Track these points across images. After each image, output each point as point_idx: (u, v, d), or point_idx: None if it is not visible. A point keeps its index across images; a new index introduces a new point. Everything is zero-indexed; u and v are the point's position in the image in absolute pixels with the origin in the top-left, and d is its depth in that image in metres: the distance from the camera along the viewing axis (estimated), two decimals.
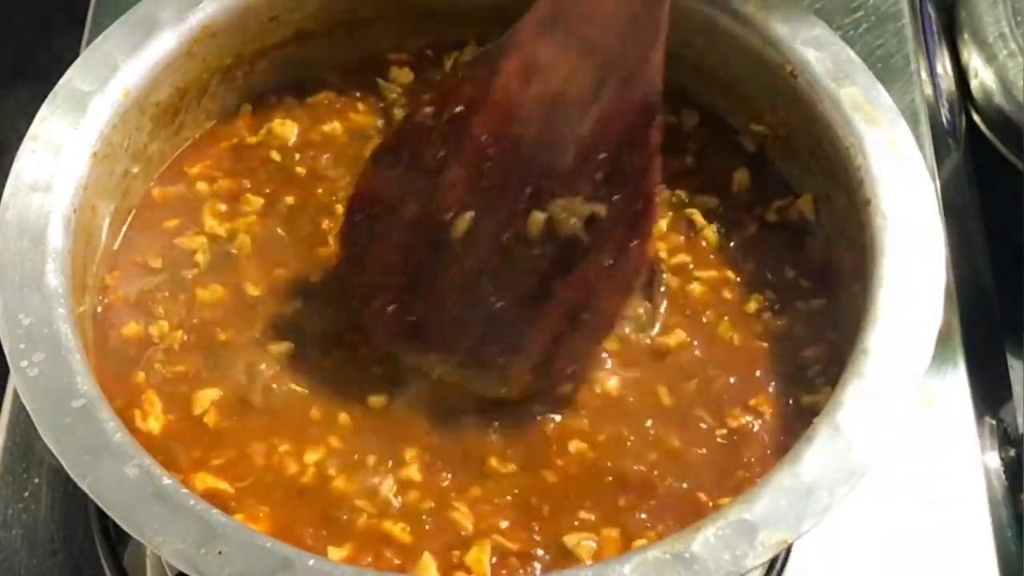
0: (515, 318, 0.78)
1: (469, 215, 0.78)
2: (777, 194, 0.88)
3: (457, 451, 0.77)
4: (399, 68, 0.94)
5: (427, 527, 0.74)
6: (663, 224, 0.86)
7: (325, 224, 0.86)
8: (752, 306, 0.83)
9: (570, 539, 0.74)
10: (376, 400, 0.79)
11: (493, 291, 0.78)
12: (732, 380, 0.80)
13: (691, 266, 0.85)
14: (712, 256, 0.86)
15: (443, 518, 0.75)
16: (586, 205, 0.77)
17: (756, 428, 0.78)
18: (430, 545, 0.74)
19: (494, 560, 0.73)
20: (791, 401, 0.79)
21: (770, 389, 0.80)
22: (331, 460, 0.77)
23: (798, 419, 0.78)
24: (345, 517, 0.75)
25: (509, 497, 0.76)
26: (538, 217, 0.78)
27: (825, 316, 0.82)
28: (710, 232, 0.86)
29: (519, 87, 0.77)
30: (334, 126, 0.91)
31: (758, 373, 0.81)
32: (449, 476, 0.76)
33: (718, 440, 0.78)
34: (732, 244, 0.86)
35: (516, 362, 0.78)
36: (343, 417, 0.78)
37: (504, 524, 0.75)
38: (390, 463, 0.77)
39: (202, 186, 0.88)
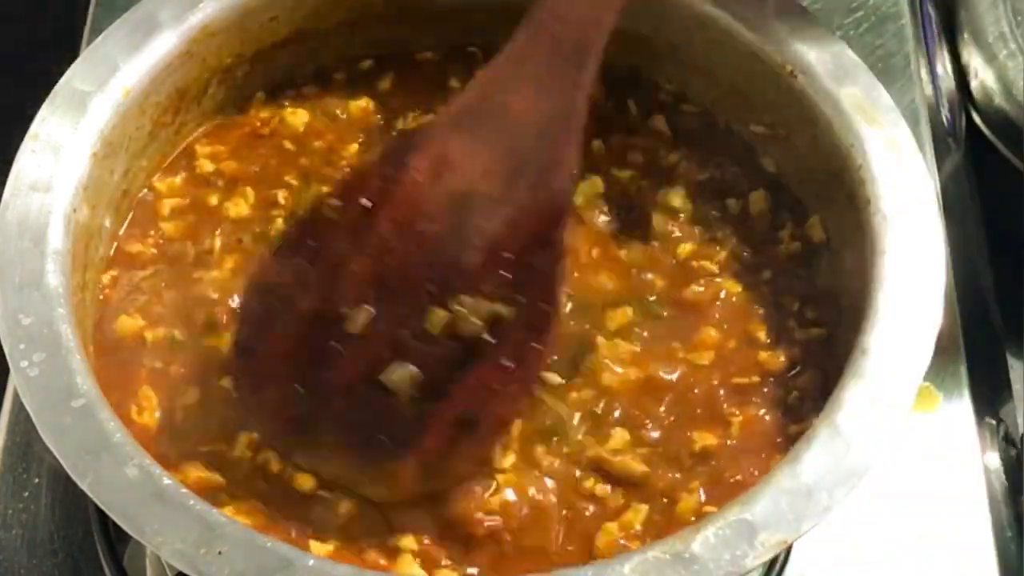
0: (408, 418, 0.75)
1: (367, 310, 0.75)
2: (789, 216, 0.88)
3: None
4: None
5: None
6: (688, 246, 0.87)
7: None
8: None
9: None
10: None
11: (386, 389, 0.75)
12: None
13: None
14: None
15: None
16: (489, 305, 0.75)
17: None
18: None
19: None
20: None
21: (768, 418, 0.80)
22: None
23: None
24: (327, 511, 0.75)
25: None
26: (439, 315, 0.75)
27: (824, 346, 0.82)
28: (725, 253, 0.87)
29: (429, 182, 0.76)
30: (354, 106, 0.92)
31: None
32: None
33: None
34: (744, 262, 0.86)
35: (407, 465, 0.75)
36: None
37: None
38: None
39: (206, 179, 0.88)
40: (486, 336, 0.75)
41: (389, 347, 0.75)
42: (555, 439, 0.78)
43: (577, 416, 0.79)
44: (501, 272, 0.75)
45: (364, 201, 0.76)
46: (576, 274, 0.84)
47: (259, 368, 0.77)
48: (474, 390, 0.75)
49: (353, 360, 0.75)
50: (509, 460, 0.77)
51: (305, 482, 0.76)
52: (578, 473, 0.77)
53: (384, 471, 0.75)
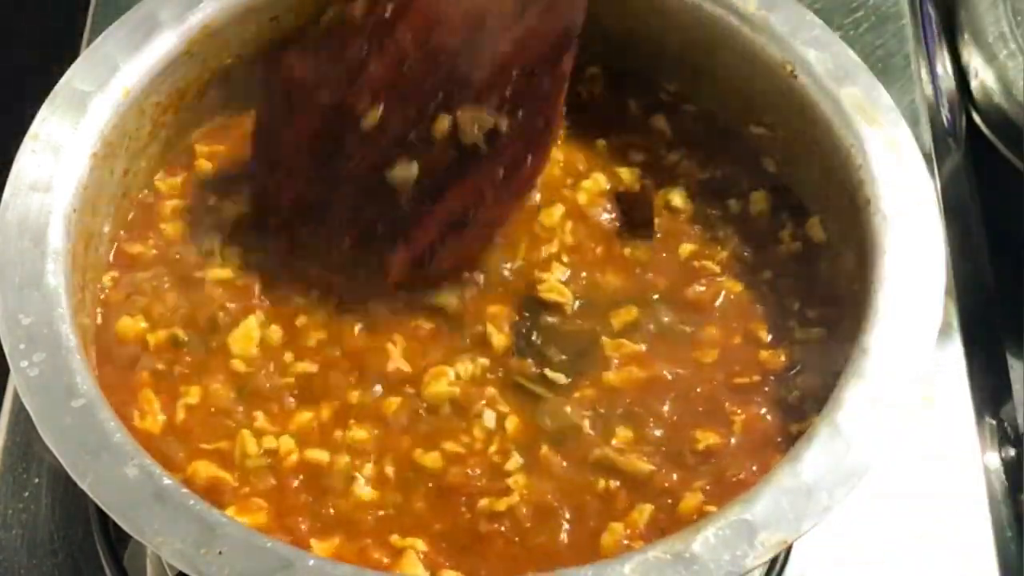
0: (406, 212, 0.82)
1: (380, 109, 0.82)
2: (789, 216, 0.88)
3: None
4: None
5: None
6: (687, 248, 0.87)
7: None
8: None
9: None
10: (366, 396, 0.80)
11: (389, 186, 0.82)
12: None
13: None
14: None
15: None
16: (490, 117, 0.81)
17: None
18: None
19: None
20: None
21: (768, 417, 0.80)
22: (322, 450, 0.77)
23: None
24: (332, 509, 0.75)
25: None
26: (444, 121, 0.82)
27: (824, 346, 0.82)
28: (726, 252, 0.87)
29: None
30: None
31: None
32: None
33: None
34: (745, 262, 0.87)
35: (399, 253, 0.82)
36: (339, 408, 0.79)
37: None
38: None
39: (205, 178, 0.88)
40: (483, 146, 0.81)
41: (395, 146, 0.82)
42: (561, 439, 0.78)
43: (582, 416, 0.79)
44: (505, 89, 0.81)
45: (387, 10, 0.82)
46: (584, 273, 0.85)
47: (277, 153, 0.85)
48: (467, 194, 0.82)
49: (362, 154, 0.83)
50: (516, 463, 0.77)
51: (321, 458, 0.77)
52: (585, 473, 0.77)
53: (379, 259, 0.82)
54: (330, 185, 0.83)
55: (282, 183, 0.85)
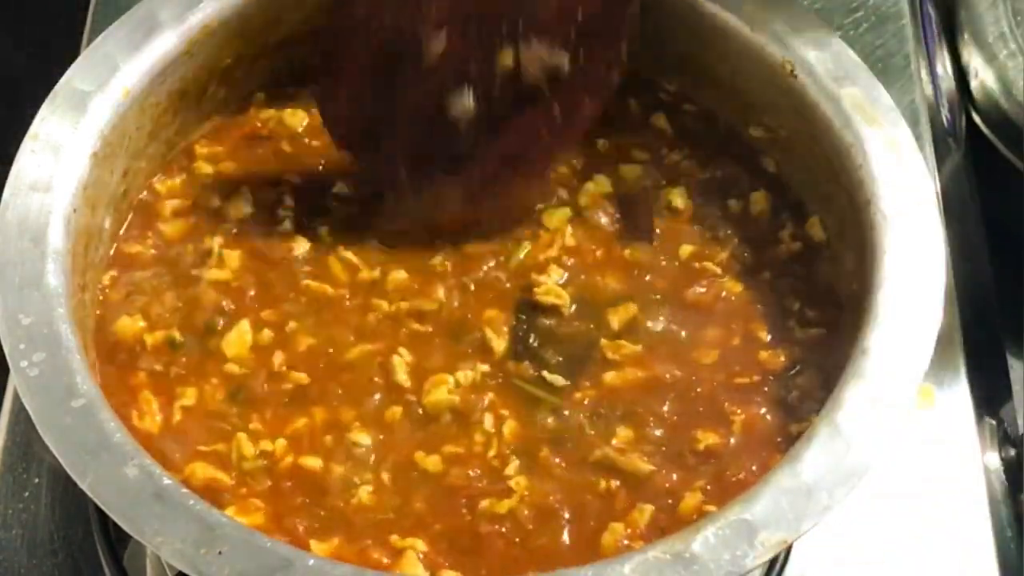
0: (463, 145, 0.84)
1: (443, 36, 0.82)
2: (789, 216, 0.88)
3: None
4: None
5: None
6: (687, 248, 0.87)
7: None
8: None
9: None
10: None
11: (449, 116, 0.83)
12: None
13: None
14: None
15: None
16: (553, 56, 0.82)
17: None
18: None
19: None
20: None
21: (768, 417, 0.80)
22: (318, 456, 0.77)
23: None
24: (329, 511, 0.75)
25: None
26: (507, 56, 0.83)
27: (824, 346, 0.82)
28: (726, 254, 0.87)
29: None
30: None
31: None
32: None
33: None
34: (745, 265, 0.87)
35: (453, 188, 0.84)
36: (344, 413, 0.79)
37: None
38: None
39: (205, 180, 0.88)
40: (544, 84, 0.83)
41: (457, 77, 0.83)
42: (561, 441, 0.78)
43: (582, 416, 0.79)
44: (569, 29, 0.82)
45: None
46: (582, 276, 0.85)
47: (338, 77, 0.85)
48: (524, 132, 0.84)
49: (423, 82, 0.83)
50: (516, 465, 0.77)
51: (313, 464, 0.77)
52: (585, 473, 0.77)
53: (434, 192, 0.84)
54: (389, 111, 0.84)
55: (344, 105, 0.85)
